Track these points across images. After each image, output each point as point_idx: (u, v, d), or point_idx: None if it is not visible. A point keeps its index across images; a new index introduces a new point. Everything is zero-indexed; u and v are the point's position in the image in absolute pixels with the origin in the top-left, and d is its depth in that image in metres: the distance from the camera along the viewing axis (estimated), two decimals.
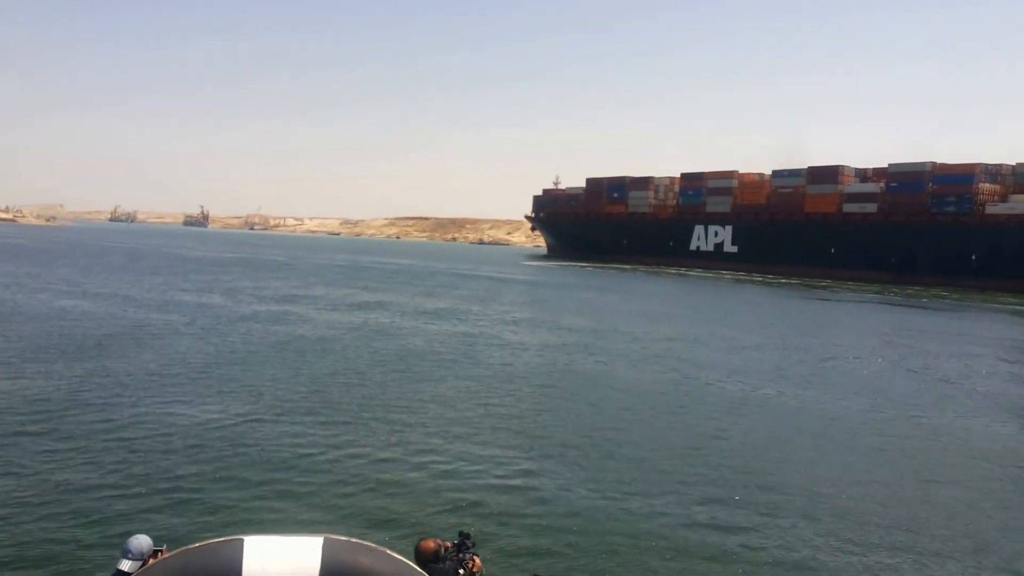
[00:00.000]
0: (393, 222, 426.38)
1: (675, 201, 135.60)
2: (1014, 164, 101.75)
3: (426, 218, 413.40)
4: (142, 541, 5.10)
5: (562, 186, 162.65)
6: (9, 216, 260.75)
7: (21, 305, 35.34)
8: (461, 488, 13.49)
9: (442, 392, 21.34)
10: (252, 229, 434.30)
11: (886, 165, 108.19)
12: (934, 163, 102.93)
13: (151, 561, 4.59)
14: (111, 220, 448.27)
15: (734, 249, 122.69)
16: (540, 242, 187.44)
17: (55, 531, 10.79)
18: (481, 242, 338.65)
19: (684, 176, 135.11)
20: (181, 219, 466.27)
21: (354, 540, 3.36)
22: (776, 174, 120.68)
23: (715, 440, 17.76)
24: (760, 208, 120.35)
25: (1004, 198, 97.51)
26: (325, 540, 3.25)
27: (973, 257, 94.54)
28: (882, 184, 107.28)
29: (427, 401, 20.10)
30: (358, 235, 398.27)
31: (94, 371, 21.26)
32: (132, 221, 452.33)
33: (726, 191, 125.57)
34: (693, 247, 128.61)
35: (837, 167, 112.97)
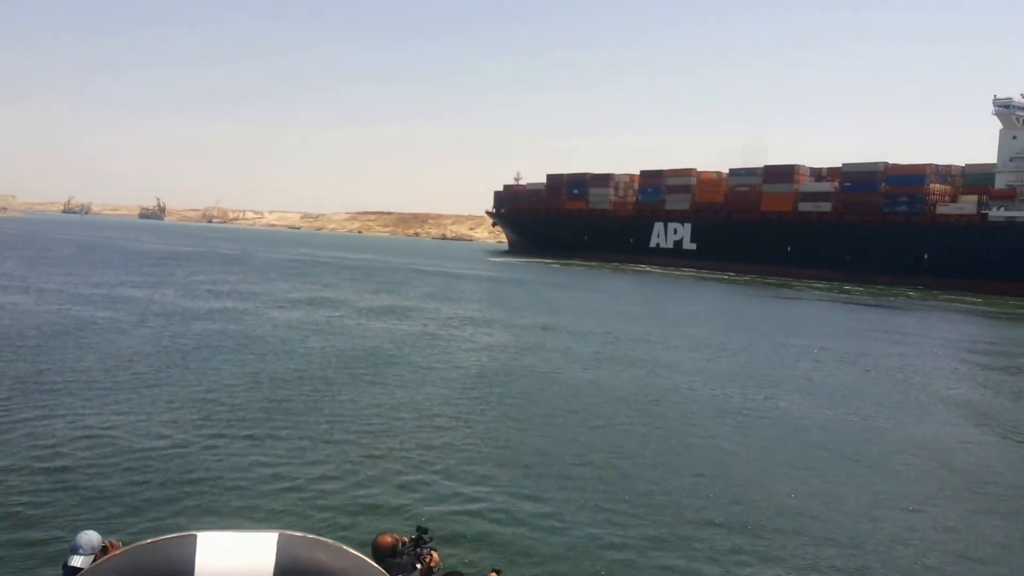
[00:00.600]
0: (355, 216, 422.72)
1: (635, 198, 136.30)
2: (963, 165, 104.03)
3: (388, 213, 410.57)
4: (92, 537, 5.12)
5: (523, 182, 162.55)
6: None
7: None
8: (419, 484, 13.54)
9: (398, 391, 21.15)
10: (210, 222, 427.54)
11: (840, 165, 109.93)
12: (887, 163, 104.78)
13: (102, 557, 4.49)
14: (64, 212, 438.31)
15: (693, 247, 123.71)
16: (502, 238, 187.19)
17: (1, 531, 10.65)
18: (444, 237, 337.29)
19: (644, 173, 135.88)
20: (137, 211, 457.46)
21: (310, 536, 3.27)
22: (733, 173, 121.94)
23: (665, 438, 17.78)
24: (718, 206, 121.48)
25: (954, 198, 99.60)
26: (280, 536, 3.17)
27: (924, 256, 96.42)
28: (836, 184, 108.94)
29: (383, 399, 19.94)
30: (319, 229, 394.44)
31: (31, 373, 20.71)
32: (86, 213, 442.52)
33: (685, 189, 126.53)
34: (653, 244, 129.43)
35: (792, 166, 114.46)
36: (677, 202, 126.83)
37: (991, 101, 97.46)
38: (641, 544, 11.72)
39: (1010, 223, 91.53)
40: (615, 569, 10.87)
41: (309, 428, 16.81)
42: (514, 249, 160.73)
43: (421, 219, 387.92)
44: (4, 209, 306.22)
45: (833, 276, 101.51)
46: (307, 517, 11.68)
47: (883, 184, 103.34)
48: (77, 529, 5.72)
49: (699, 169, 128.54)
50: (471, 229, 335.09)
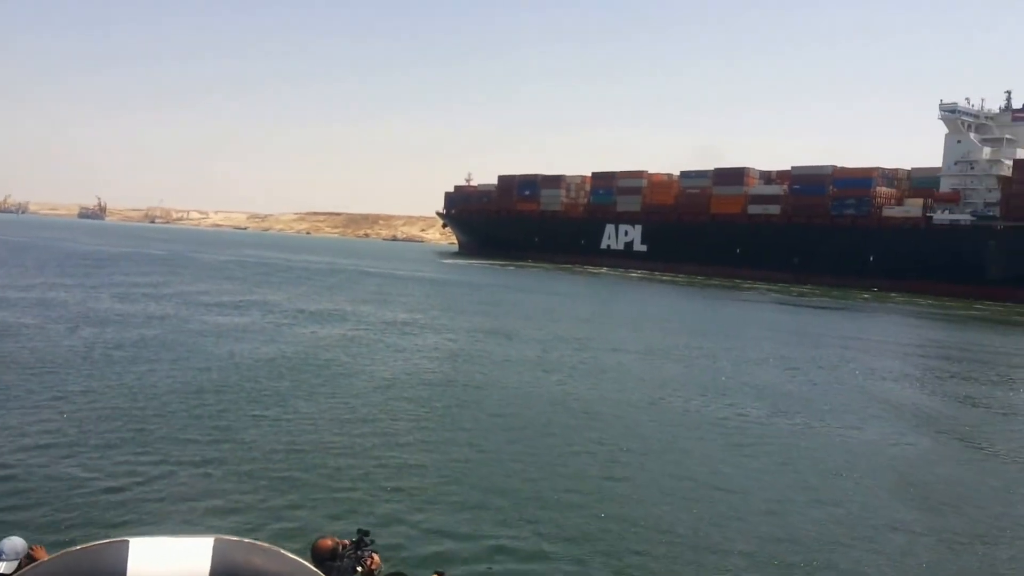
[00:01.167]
0: (303, 217, 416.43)
1: (586, 200, 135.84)
2: (909, 169, 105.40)
3: (338, 214, 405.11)
4: (16, 542, 5.12)
5: (474, 183, 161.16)
6: None
7: None
8: (359, 487, 13.50)
9: (330, 397, 20.60)
10: (153, 222, 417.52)
11: (790, 168, 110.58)
12: (835, 166, 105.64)
13: (27, 563, 4.50)
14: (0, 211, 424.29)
15: (643, 248, 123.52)
16: (454, 239, 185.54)
17: None
18: (395, 239, 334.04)
19: (595, 175, 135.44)
20: (76, 211, 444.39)
21: (246, 540, 3.27)
22: (684, 175, 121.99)
23: (601, 442, 17.49)
24: (669, 208, 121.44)
25: (900, 201, 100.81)
26: (216, 541, 3.16)
27: (871, 258, 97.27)
28: (785, 186, 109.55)
29: (315, 405, 19.49)
30: (266, 230, 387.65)
31: None
32: (23, 212, 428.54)
33: (636, 191, 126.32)
34: (604, 246, 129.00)
35: (742, 169, 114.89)
36: (628, 204, 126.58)
37: (937, 106, 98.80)
38: (577, 546, 11.76)
39: (954, 226, 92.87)
40: (559, 565, 10.99)
41: (240, 433, 16.42)
42: (464, 251, 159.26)
43: (371, 220, 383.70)
44: None
45: (782, 278, 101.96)
46: (244, 522, 11.48)
47: (831, 187, 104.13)
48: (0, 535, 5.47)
49: (650, 171, 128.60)
50: (422, 230, 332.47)
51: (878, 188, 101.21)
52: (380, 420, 18.34)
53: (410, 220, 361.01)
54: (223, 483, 13.20)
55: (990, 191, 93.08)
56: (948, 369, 33.68)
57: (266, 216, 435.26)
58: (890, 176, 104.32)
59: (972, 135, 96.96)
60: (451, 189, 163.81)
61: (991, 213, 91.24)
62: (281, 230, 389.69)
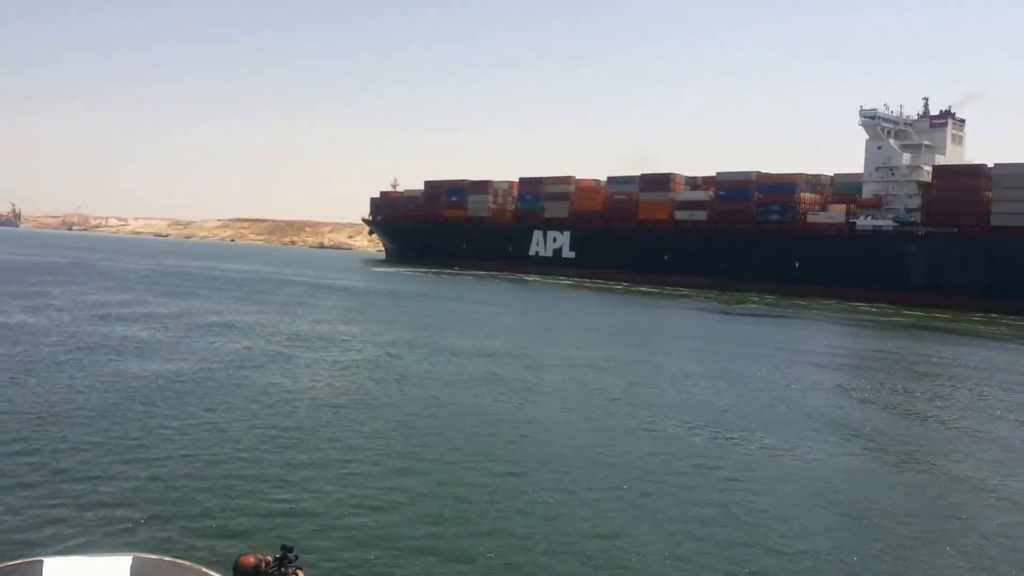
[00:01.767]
0: (227, 224, 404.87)
1: (514, 206, 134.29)
2: (832, 175, 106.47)
3: (263, 220, 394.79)
4: None
5: (401, 188, 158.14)
6: None
7: None
8: (283, 502, 13.38)
9: (256, 403, 20.57)
10: (70, 229, 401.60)
11: (715, 174, 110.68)
12: (759, 172, 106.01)
13: None
14: None
15: (572, 255, 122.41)
16: (382, 246, 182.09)
17: None
18: (322, 246, 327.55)
19: (523, 181, 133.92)
20: None
21: (166, 558, 3.24)
22: (611, 181, 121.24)
23: (511, 455, 17.23)
24: (596, 214, 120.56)
25: (824, 207, 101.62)
26: (134, 559, 3.09)
27: (796, 264, 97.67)
28: (711, 192, 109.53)
29: (241, 411, 19.46)
30: (188, 237, 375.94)
31: None
32: None
33: (563, 197, 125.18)
34: (532, 252, 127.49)
35: (669, 175, 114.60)
36: (556, 209, 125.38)
37: (858, 112, 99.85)
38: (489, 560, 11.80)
39: (876, 232, 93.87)
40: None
41: (152, 450, 16.08)
42: (391, 258, 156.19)
43: (298, 227, 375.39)
44: None
45: (709, 284, 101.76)
46: (163, 538, 11.39)
47: (756, 193, 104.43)
48: None
49: (578, 177, 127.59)
50: (350, 237, 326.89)
51: (802, 194, 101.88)
52: (293, 435, 17.94)
53: (337, 227, 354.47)
54: (140, 499, 13.03)
55: (911, 197, 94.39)
56: (872, 378, 32.69)
57: (188, 223, 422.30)
58: (813, 182, 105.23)
59: (892, 141, 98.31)
60: (377, 195, 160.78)
61: (912, 219, 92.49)
62: (204, 237, 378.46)
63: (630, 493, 15.12)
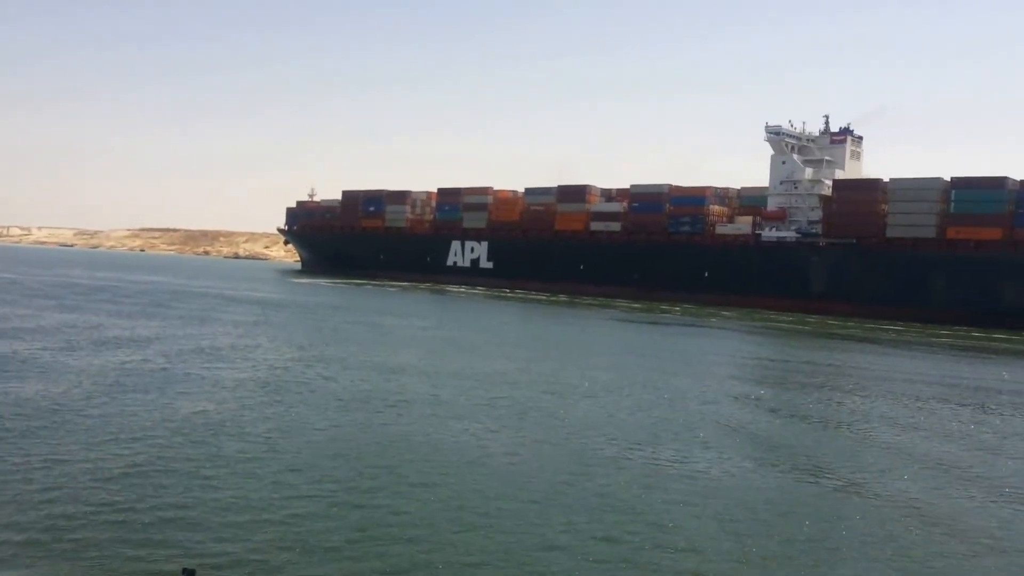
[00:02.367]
0: (137, 233, 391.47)
1: (432, 216, 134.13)
2: (739, 188, 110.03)
3: (175, 230, 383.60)
4: None
5: (318, 198, 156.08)
6: None
7: None
8: (183, 524, 13.25)
9: (137, 425, 19.74)
10: None
11: (629, 186, 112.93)
12: (671, 185, 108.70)
13: None
14: None
15: (490, 265, 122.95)
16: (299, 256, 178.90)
17: None
18: (237, 256, 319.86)
19: (441, 191, 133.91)
20: None
21: None
22: (529, 192, 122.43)
23: (399, 471, 16.84)
24: (514, 225, 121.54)
25: (731, 219, 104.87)
26: None
27: (706, 274, 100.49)
28: (625, 204, 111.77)
29: (119, 434, 18.75)
30: (95, 247, 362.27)
31: None
32: None
33: (482, 207, 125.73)
34: (450, 263, 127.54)
35: (584, 187, 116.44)
36: (474, 220, 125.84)
37: (764, 128, 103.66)
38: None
39: (780, 243, 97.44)
40: None
41: (47, 469, 15.84)
42: (308, 268, 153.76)
43: (211, 237, 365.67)
44: None
45: (623, 293, 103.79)
46: (56, 561, 11.33)
47: (668, 205, 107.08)
48: None
49: (496, 187, 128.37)
50: (266, 247, 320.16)
51: (711, 206, 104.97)
52: (178, 458, 17.25)
53: (253, 237, 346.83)
54: (29, 520, 12.81)
55: (813, 209, 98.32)
56: (775, 386, 33.70)
57: (96, 232, 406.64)
58: (721, 195, 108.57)
59: (795, 156, 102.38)
60: (294, 205, 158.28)
61: (814, 231, 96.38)
62: (113, 247, 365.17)
63: (539, 506, 15.22)
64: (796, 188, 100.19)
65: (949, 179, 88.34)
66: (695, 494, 16.70)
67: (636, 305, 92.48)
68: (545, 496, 15.89)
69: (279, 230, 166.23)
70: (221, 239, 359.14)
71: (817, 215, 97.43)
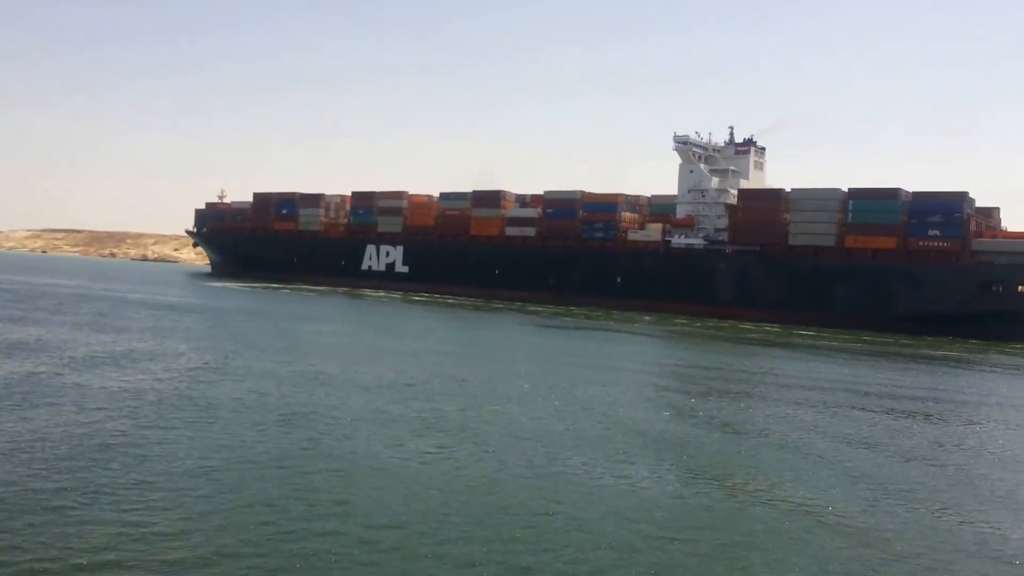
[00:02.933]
0: (38, 234, 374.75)
1: (347, 220, 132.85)
2: (650, 196, 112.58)
3: (79, 231, 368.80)
4: None
5: (228, 200, 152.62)
6: None
7: None
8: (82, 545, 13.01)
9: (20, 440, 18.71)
10: None
11: (543, 192, 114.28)
12: (584, 192, 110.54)
13: None
14: None
15: (405, 269, 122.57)
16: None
17: None
18: (145, 258, 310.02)
19: (355, 195, 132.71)
20: None
21: None
22: (444, 196, 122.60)
23: (305, 486, 16.55)
24: (430, 229, 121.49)
25: (642, 226, 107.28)
26: None
27: (618, 279, 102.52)
28: (539, 210, 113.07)
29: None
30: None
31: None
32: None
33: (397, 211, 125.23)
34: (365, 267, 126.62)
35: (499, 192, 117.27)
36: (389, 224, 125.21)
37: (672, 137, 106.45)
38: None
39: (689, 250, 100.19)
40: None
41: None
42: (218, 272, 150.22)
43: (118, 238, 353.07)
44: None
45: (538, 298, 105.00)
46: None
47: (581, 211, 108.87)
48: None
49: (411, 192, 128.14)
50: (176, 250, 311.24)
51: (623, 213, 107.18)
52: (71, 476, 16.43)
53: (162, 239, 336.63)
54: None
55: (719, 217, 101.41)
56: (683, 392, 34.57)
57: None
58: (633, 202, 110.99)
59: (702, 166, 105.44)
60: (203, 206, 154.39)
61: (721, 238, 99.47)
62: (12, 248, 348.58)
63: (448, 516, 15.25)
64: (703, 197, 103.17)
65: (847, 190, 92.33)
66: (600, 502, 16.89)
67: (551, 309, 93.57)
68: (445, 508, 15.93)
69: (188, 232, 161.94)
70: (128, 241, 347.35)
71: (724, 223, 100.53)
